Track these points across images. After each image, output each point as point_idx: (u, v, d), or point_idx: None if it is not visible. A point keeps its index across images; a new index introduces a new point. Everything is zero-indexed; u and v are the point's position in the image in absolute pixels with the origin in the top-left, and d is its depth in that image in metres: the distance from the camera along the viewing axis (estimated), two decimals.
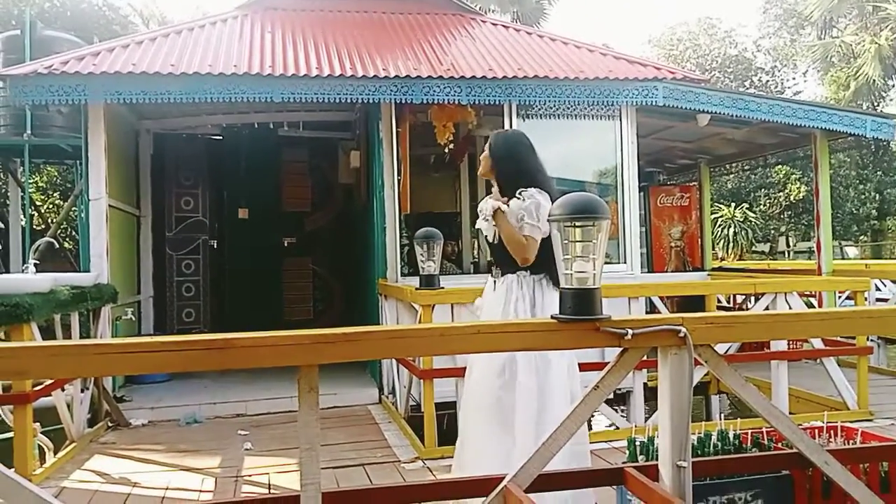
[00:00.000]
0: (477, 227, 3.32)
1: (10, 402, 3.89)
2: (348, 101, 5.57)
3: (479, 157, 3.31)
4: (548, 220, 2.09)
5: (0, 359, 1.63)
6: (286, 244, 8.40)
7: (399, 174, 5.87)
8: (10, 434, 3.94)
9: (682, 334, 2.07)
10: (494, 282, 3.19)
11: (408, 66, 5.68)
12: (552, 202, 2.90)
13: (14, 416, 3.86)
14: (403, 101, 5.61)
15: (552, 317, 2.06)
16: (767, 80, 25.84)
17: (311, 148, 8.46)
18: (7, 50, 8.24)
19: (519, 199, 3.02)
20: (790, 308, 4.92)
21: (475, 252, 7.32)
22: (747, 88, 24.29)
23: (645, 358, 2.15)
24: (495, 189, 3.20)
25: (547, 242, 3.03)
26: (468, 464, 3.12)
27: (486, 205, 3.12)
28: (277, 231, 8.32)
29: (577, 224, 1.96)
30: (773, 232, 20.44)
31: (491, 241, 3.19)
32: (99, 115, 5.45)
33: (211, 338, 1.79)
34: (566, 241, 2.00)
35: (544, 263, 3.04)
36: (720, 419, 2.90)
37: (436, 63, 5.81)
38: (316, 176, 8.57)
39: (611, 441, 4.45)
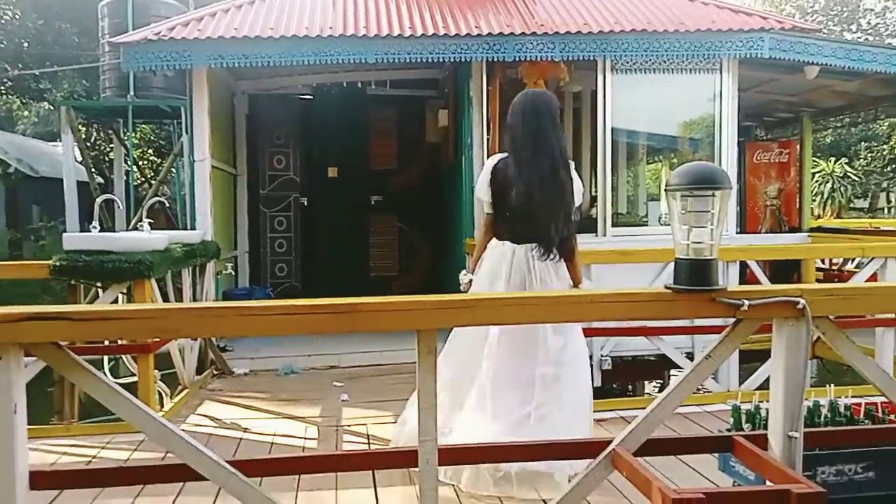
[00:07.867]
0: None
1: (135, 352, 4.22)
2: (440, 59, 5.56)
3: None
4: (665, 190, 2.06)
5: (154, 319, 1.79)
6: (373, 202, 8.55)
7: (489, 133, 5.85)
8: (134, 378, 4.29)
9: (800, 306, 2.03)
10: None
11: (500, 22, 5.59)
12: (515, 169, 3.29)
13: (138, 365, 4.19)
14: (495, 59, 5.55)
15: (666, 286, 2.06)
16: (877, 23, 23.92)
17: (399, 106, 8.48)
18: (111, 14, 8.63)
19: None
20: None
21: None
22: (853, 32, 22.62)
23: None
24: None
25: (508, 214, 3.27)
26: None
27: None
28: (365, 189, 8.46)
29: (696, 194, 1.93)
30: (873, 187, 19.25)
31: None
32: (202, 79, 5.64)
33: (337, 302, 1.88)
34: (683, 212, 1.98)
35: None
36: (829, 388, 2.82)
37: (528, 19, 5.68)
38: (403, 134, 8.62)
39: (703, 405, 4.41)
